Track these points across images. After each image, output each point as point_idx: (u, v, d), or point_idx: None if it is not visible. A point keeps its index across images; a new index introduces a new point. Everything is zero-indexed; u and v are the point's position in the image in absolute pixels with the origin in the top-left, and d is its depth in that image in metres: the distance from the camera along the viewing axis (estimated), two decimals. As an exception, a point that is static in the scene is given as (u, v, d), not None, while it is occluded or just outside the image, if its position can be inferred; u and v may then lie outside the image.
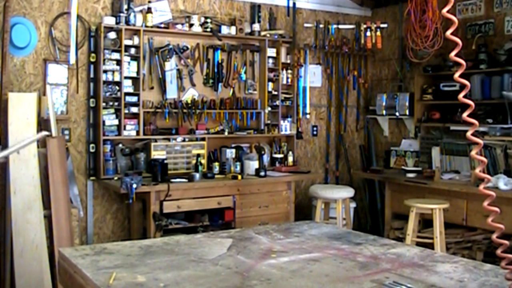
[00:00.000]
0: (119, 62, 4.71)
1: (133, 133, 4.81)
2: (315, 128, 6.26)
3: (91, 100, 4.72)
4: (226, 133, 5.30)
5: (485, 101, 4.96)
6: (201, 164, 4.99)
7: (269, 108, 5.59)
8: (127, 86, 4.81)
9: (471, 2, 5.46)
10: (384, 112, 6.06)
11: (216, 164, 5.08)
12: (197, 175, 4.81)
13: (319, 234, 2.30)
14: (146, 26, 4.84)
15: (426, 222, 4.87)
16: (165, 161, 4.75)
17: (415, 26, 5.12)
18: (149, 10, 4.87)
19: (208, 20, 5.20)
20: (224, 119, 5.37)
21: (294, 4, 5.87)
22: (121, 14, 4.73)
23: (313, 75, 6.16)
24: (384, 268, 1.79)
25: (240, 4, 5.61)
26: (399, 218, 5.34)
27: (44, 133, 2.64)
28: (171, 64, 5.08)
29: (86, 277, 1.69)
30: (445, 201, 4.52)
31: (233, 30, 5.36)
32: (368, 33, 5.96)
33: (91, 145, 4.72)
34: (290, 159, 5.68)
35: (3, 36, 4.23)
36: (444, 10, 1.25)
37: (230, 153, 5.23)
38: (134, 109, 4.80)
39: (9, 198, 3.97)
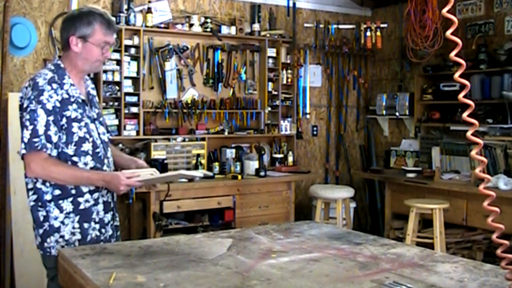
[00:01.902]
0: (119, 62, 4.71)
1: (133, 133, 4.81)
2: (315, 128, 6.26)
3: (91, 100, 4.72)
4: (226, 133, 5.30)
5: (485, 101, 4.96)
6: (201, 164, 4.99)
7: (269, 108, 5.59)
8: (127, 86, 4.81)
9: (471, 2, 5.46)
10: (384, 112, 6.06)
11: (216, 164, 5.08)
12: (197, 175, 4.80)
13: (319, 234, 2.30)
14: (146, 26, 4.84)
15: (426, 222, 4.87)
16: (165, 161, 4.75)
17: (415, 26, 5.12)
18: (149, 10, 4.88)
19: (208, 20, 5.20)
20: (224, 119, 5.37)
21: (294, 4, 5.87)
22: (121, 14, 4.73)
23: (313, 75, 6.16)
24: (384, 268, 1.79)
25: (240, 4, 5.61)
26: (399, 218, 5.34)
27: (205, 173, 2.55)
28: (171, 64, 5.08)
29: (86, 277, 1.69)
30: (445, 201, 4.52)
31: (233, 30, 5.36)
32: (368, 33, 5.96)
33: (91, 145, 4.72)
34: (290, 159, 5.68)
35: (3, 36, 4.23)
36: (444, 10, 1.25)
37: (230, 153, 5.23)
38: (134, 109, 4.80)
39: (9, 198, 3.97)
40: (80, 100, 2.24)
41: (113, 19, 2.36)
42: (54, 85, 2.17)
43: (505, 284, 1.50)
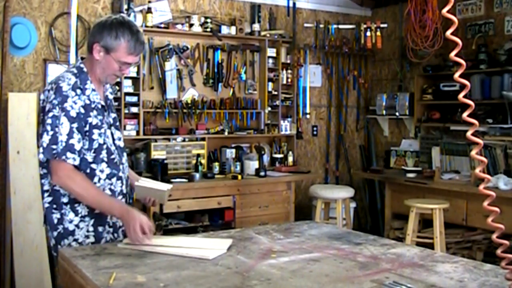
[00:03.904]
0: (119, 62, 4.70)
1: (133, 133, 4.81)
2: (315, 128, 6.26)
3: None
4: (226, 133, 5.30)
5: (485, 101, 4.96)
6: (201, 164, 4.99)
7: (269, 108, 5.59)
8: (127, 86, 4.81)
9: (471, 2, 5.46)
10: (384, 112, 6.06)
11: (216, 164, 5.08)
12: (197, 175, 4.81)
13: (319, 234, 2.30)
14: (146, 26, 4.84)
15: (426, 222, 4.87)
16: (165, 161, 4.75)
17: (415, 26, 5.12)
18: (149, 10, 4.88)
19: (208, 20, 5.20)
20: (224, 119, 5.37)
21: (294, 4, 5.87)
22: (121, 14, 4.73)
23: (313, 75, 6.16)
24: (384, 268, 1.79)
25: (240, 4, 5.61)
26: (399, 218, 5.34)
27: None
28: (171, 64, 5.08)
29: (86, 277, 1.69)
30: (445, 201, 4.52)
31: (233, 30, 5.36)
32: (368, 33, 5.96)
33: (91, 145, 4.72)
34: (290, 159, 5.68)
35: (3, 36, 4.23)
36: (444, 10, 1.25)
37: (230, 153, 5.23)
38: (134, 109, 4.80)
39: (9, 198, 3.97)
40: (99, 106, 2.21)
41: (143, 39, 2.25)
42: (78, 91, 2.13)
43: (505, 284, 1.50)
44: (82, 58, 2.31)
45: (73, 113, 2.10)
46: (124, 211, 2.10)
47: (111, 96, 2.39)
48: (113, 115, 2.34)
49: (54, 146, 2.07)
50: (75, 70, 2.20)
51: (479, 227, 4.59)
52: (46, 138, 2.08)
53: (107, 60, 2.18)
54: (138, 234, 2.01)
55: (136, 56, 2.22)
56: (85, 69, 2.21)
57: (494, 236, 1.34)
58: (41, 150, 2.09)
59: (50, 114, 2.09)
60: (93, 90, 2.20)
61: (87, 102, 2.15)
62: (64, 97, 2.09)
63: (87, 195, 2.11)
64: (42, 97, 2.18)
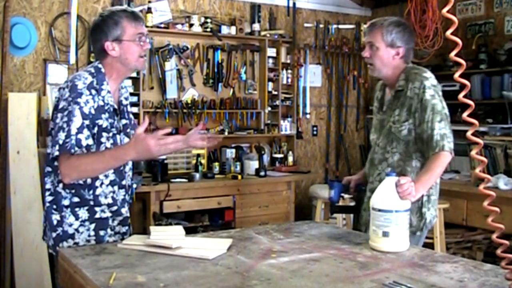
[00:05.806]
0: (119, 62, 4.70)
1: (133, 132, 4.80)
2: (315, 128, 6.26)
3: (91, 100, 4.71)
4: (226, 133, 5.30)
5: (485, 101, 4.96)
6: (201, 164, 4.99)
7: (269, 108, 5.59)
8: (127, 86, 4.81)
9: (471, 2, 5.46)
10: (384, 112, 6.05)
11: (216, 164, 5.08)
12: (197, 175, 4.81)
13: (319, 234, 2.30)
14: (146, 26, 4.82)
15: (426, 222, 4.86)
16: (165, 161, 4.75)
17: (415, 26, 5.12)
18: (149, 10, 4.88)
19: (208, 20, 5.20)
20: (224, 119, 5.37)
21: (294, 4, 5.88)
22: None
23: (313, 75, 6.16)
24: (384, 268, 1.79)
25: (240, 4, 5.61)
26: (399, 218, 5.33)
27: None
28: (171, 64, 5.09)
29: (86, 277, 1.68)
30: (445, 201, 4.51)
31: (233, 30, 5.36)
32: (368, 33, 5.96)
33: (91, 145, 4.71)
34: (290, 159, 5.68)
35: (3, 36, 4.23)
36: (444, 10, 1.25)
37: (230, 153, 5.23)
38: (134, 109, 4.80)
39: (9, 198, 3.97)
40: (112, 109, 2.17)
41: (137, 9, 2.30)
42: (93, 91, 2.10)
43: (505, 284, 1.50)
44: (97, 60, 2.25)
45: (85, 110, 2.07)
46: (131, 149, 2.02)
47: (125, 102, 2.34)
48: (125, 121, 2.29)
49: (67, 140, 2.03)
50: (92, 70, 2.17)
51: (479, 227, 4.59)
52: (62, 135, 2.03)
53: (124, 47, 2.15)
54: (159, 143, 2.01)
55: (142, 25, 2.23)
56: (103, 70, 2.17)
57: (494, 236, 1.34)
58: (56, 147, 2.04)
59: (66, 112, 2.05)
60: (108, 92, 2.16)
61: (101, 103, 2.12)
62: (78, 94, 2.06)
63: (92, 166, 2.05)
64: (56, 95, 2.15)
